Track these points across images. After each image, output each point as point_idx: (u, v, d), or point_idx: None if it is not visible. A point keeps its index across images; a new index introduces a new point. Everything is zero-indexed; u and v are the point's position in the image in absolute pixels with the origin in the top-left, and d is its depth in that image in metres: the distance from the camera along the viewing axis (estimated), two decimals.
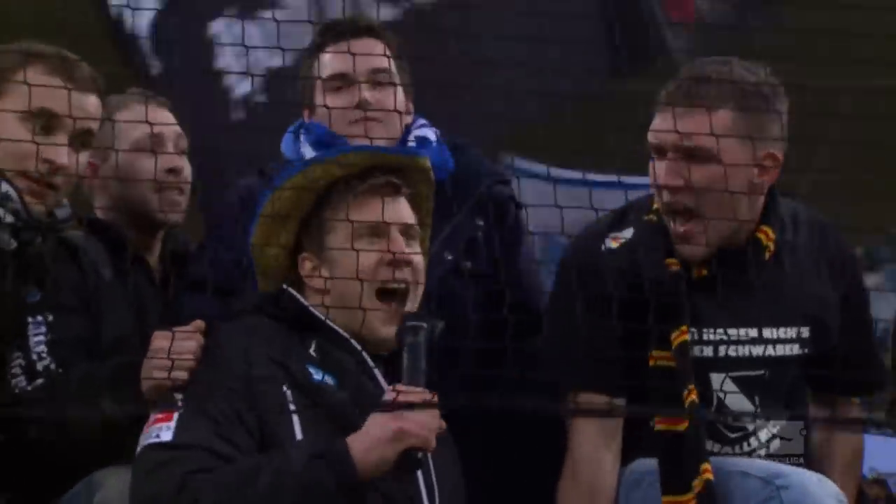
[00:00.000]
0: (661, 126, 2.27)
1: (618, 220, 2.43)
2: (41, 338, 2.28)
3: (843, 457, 2.53)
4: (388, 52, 2.61)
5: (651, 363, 2.30)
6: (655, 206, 2.39)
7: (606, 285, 2.26)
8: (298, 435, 2.02)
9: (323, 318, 2.14)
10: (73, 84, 2.21)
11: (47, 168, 2.18)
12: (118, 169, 2.50)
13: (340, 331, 2.12)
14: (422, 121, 2.65)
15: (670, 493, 2.27)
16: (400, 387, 1.98)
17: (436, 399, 1.98)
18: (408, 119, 2.61)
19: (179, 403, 2.02)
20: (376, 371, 2.10)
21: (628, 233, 2.39)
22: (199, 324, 2.11)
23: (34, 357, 2.24)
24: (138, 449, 1.99)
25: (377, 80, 2.57)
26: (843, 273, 2.50)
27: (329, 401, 2.06)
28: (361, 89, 2.53)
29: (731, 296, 2.35)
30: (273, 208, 2.19)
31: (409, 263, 2.14)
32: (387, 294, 2.12)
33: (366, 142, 2.35)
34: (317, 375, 2.08)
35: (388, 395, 1.97)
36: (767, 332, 2.41)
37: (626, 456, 2.39)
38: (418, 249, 2.19)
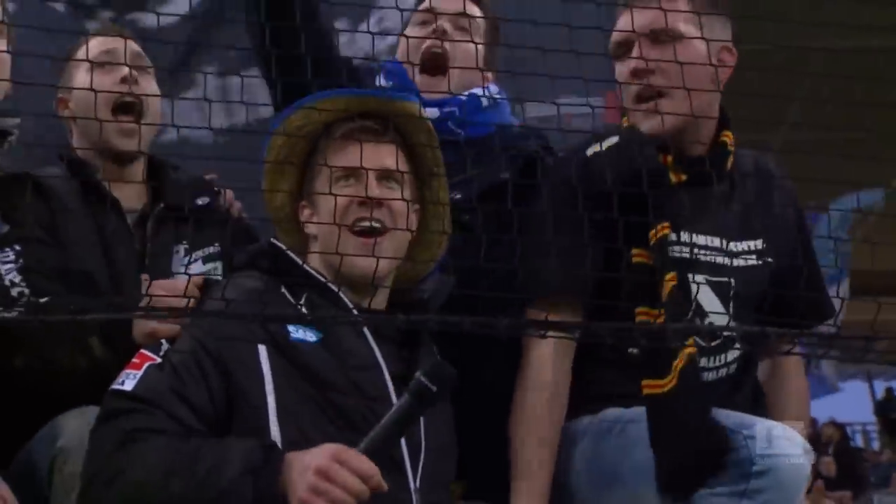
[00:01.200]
0: (626, 23, 2.32)
1: (599, 135, 2.45)
2: (11, 265, 2.27)
3: (791, 388, 2.62)
4: (475, 6, 2.67)
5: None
6: (626, 123, 2.45)
7: (594, 183, 2.27)
8: (270, 397, 1.97)
9: (304, 265, 2.12)
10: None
11: None
12: (76, 94, 2.50)
13: (325, 280, 2.10)
14: (494, 89, 2.68)
15: (649, 378, 2.28)
16: (338, 453, 1.83)
17: (373, 475, 1.82)
18: (486, 81, 2.65)
19: (160, 353, 2.00)
20: (365, 329, 2.06)
21: (613, 140, 2.40)
22: (198, 280, 2.12)
23: (7, 283, 2.24)
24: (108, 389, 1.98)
25: (459, 23, 2.61)
26: (792, 200, 2.57)
27: (305, 359, 2.02)
28: (442, 22, 2.58)
29: (702, 203, 2.40)
30: (270, 156, 2.18)
31: (382, 205, 2.11)
32: (361, 233, 2.10)
33: (439, 82, 2.47)
34: (295, 333, 2.04)
35: (323, 462, 1.82)
36: (732, 245, 2.45)
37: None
38: (397, 194, 2.14)
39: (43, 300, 2.16)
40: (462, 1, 2.51)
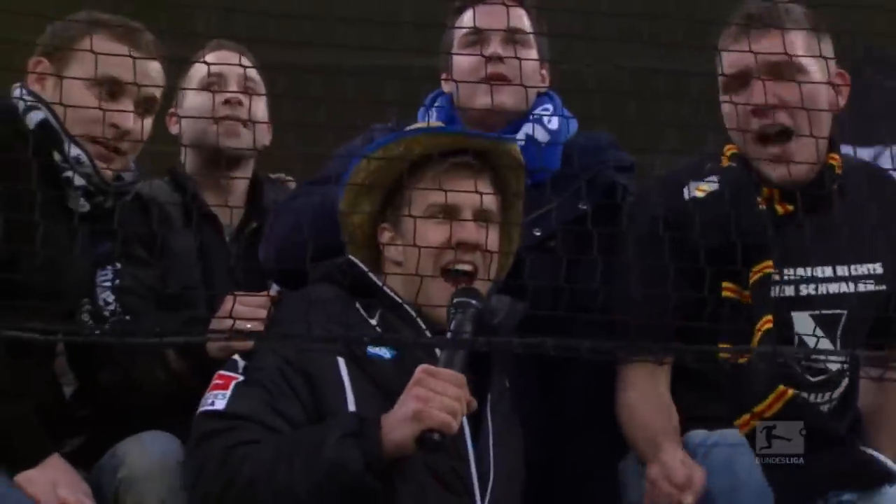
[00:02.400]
0: (743, 53, 2.22)
1: (696, 169, 2.39)
2: (108, 285, 2.37)
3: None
4: (523, 12, 2.60)
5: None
6: (730, 151, 2.37)
7: (693, 234, 2.19)
8: (351, 407, 2.04)
9: (384, 287, 2.16)
10: (137, 51, 2.26)
11: (114, 133, 2.25)
12: (185, 109, 2.66)
13: (401, 301, 2.14)
14: (547, 103, 2.61)
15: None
16: (427, 368, 1.96)
17: (463, 382, 1.94)
18: (541, 91, 2.60)
19: (240, 370, 2.06)
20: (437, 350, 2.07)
21: (713, 181, 2.33)
22: (270, 296, 2.19)
23: (101, 303, 2.35)
24: (197, 412, 2.06)
25: (512, 38, 2.54)
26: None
27: (380, 374, 2.09)
28: (494, 42, 2.52)
29: (812, 231, 2.29)
30: (358, 178, 2.23)
31: (476, 247, 2.16)
32: (449, 274, 2.15)
33: (488, 97, 2.34)
34: (372, 348, 2.11)
35: (417, 373, 1.95)
36: (842, 270, 2.38)
37: None
38: (492, 233, 2.19)
39: (127, 319, 2.27)
40: (505, 14, 2.41)
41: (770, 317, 2.22)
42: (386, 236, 2.24)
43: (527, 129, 2.52)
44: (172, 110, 2.68)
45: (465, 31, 2.53)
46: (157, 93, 2.36)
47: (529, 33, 2.60)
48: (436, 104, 2.64)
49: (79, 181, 2.26)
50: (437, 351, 2.03)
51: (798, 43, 2.26)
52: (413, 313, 2.16)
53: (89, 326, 2.30)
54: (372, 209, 2.27)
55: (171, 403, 2.21)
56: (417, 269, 2.03)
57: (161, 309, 2.38)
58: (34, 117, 2.27)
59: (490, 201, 2.22)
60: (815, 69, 2.27)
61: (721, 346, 2.18)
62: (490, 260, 2.19)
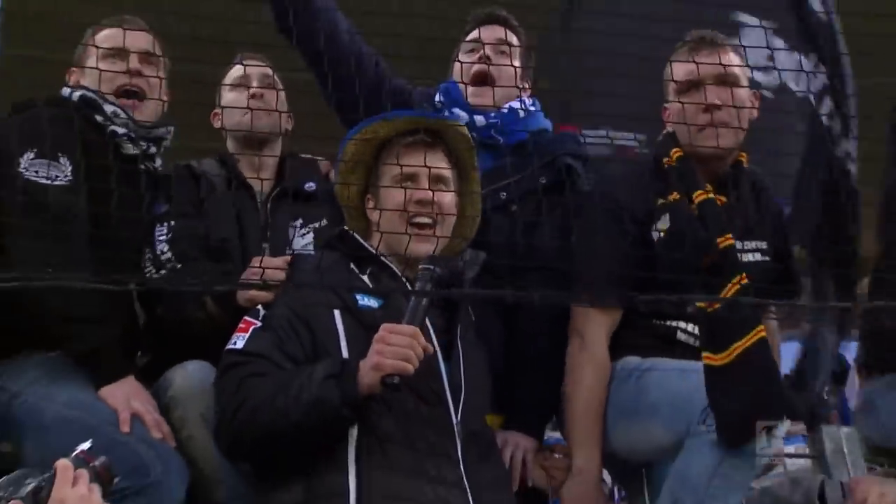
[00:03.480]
0: (692, 66, 2.88)
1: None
2: (163, 238, 2.93)
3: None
4: (513, 35, 3.21)
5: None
6: (676, 155, 2.96)
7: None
8: (344, 350, 2.51)
9: (371, 249, 2.63)
10: (127, 26, 2.86)
11: (126, 78, 2.90)
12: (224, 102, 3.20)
13: (387, 261, 2.61)
14: (528, 100, 3.21)
15: (708, 351, 2.73)
16: (388, 327, 2.41)
17: (420, 337, 2.40)
18: (523, 95, 3.20)
19: (260, 317, 2.55)
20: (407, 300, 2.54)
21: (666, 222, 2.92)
22: (287, 258, 2.70)
23: (158, 252, 2.90)
24: (224, 349, 2.56)
25: (500, 49, 3.15)
26: (779, 212, 3.11)
27: (369, 320, 2.53)
28: (486, 49, 3.14)
29: (730, 213, 2.92)
30: (345, 158, 2.73)
31: (431, 204, 2.62)
32: (415, 225, 2.61)
33: (483, 97, 3.03)
34: (362, 301, 2.58)
35: (379, 331, 2.41)
36: (749, 243, 2.96)
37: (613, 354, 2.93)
38: (447, 195, 2.67)
39: (178, 268, 2.83)
40: (503, 31, 3.12)
41: (743, 275, 2.75)
42: (370, 204, 2.71)
43: (512, 104, 3.14)
44: (216, 111, 3.19)
45: (467, 40, 3.21)
46: (149, 47, 2.99)
47: (516, 45, 3.20)
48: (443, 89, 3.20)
49: (120, 130, 2.87)
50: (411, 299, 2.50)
51: (735, 60, 2.93)
52: (396, 269, 2.61)
53: (149, 278, 2.88)
54: (357, 185, 2.75)
55: (210, 338, 2.71)
56: (393, 225, 2.56)
57: (205, 258, 2.90)
58: (76, 95, 2.93)
59: (443, 169, 2.68)
60: (744, 81, 2.93)
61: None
62: (447, 218, 2.66)
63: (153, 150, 2.98)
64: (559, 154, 3.10)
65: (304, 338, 2.54)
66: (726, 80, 2.92)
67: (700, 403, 2.70)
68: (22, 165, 2.73)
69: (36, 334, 2.71)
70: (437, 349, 2.55)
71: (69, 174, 2.75)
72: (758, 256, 3.00)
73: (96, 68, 2.82)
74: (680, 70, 2.96)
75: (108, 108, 2.90)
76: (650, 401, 2.82)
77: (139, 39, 2.99)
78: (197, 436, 2.70)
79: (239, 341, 2.54)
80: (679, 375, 2.81)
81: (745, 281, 2.74)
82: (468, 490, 2.52)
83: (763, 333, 2.72)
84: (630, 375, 2.89)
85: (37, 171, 2.72)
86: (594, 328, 2.90)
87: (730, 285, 2.74)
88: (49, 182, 2.73)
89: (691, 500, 2.71)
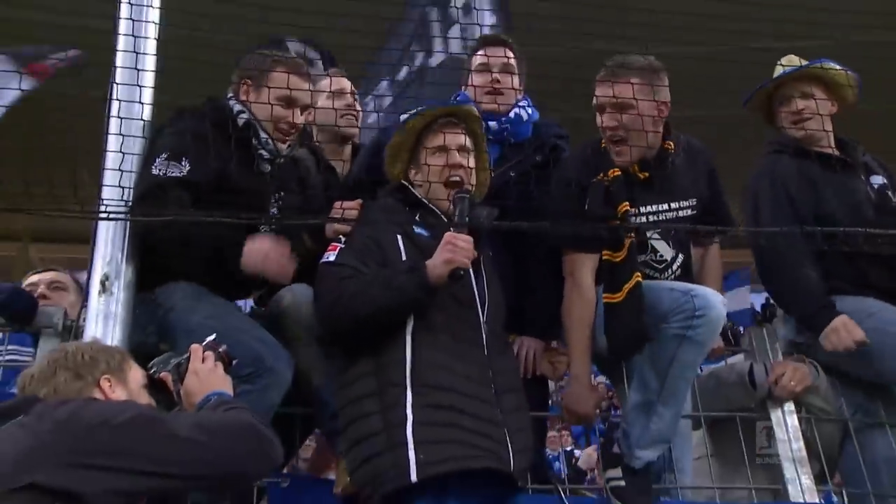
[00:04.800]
0: (601, 93, 3.72)
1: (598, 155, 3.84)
2: (275, 204, 3.73)
3: (712, 273, 3.97)
4: (513, 55, 4.17)
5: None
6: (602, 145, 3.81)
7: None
8: (404, 258, 3.28)
9: (422, 198, 3.47)
10: (300, 79, 3.62)
11: (288, 127, 3.64)
12: (320, 109, 4.05)
13: (432, 206, 3.44)
14: (524, 101, 4.18)
15: (608, 292, 3.62)
16: (450, 232, 3.18)
17: (471, 241, 3.14)
18: (519, 96, 4.14)
19: (342, 242, 3.34)
20: (452, 229, 3.24)
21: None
22: (360, 202, 3.54)
23: (273, 210, 3.70)
24: (319, 263, 3.33)
25: (506, 69, 4.14)
26: (710, 170, 3.96)
27: (421, 243, 3.31)
28: (494, 72, 4.11)
29: (657, 184, 3.77)
30: (391, 143, 3.60)
31: (461, 167, 3.45)
32: (449, 184, 3.43)
33: (493, 105, 4.01)
34: (418, 229, 3.38)
35: (446, 236, 3.16)
36: (675, 204, 3.80)
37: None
38: (471, 160, 3.50)
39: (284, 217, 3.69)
40: (503, 51, 4.16)
41: (631, 235, 3.59)
42: (412, 173, 3.54)
43: (516, 111, 4.14)
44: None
45: (476, 65, 4.18)
46: (309, 100, 3.69)
47: (513, 59, 4.21)
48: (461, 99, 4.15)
49: (265, 155, 3.63)
50: (455, 211, 3.29)
51: (630, 89, 3.61)
52: (437, 210, 3.43)
53: (270, 217, 3.70)
54: (402, 163, 3.59)
55: (308, 268, 3.46)
56: (433, 186, 3.41)
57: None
58: (243, 117, 3.61)
59: (465, 141, 3.50)
60: (643, 103, 3.62)
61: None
62: (470, 174, 3.48)
63: (278, 163, 3.75)
64: (547, 137, 4.11)
65: (376, 253, 3.30)
66: (620, 105, 3.65)
67: (662, 309, 3.51)
68: (156, 163, 3.44)
69: (181, 268, 3.50)
70: (470, 270, 3.28)
71: (185, 172, 3.42)
72: (688, 212, 3.82)
73: (268, 103, 3.51)
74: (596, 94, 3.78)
75: (262, 136, 3.61)
76: (598, 324, 3.71)
77: (305, 93, 3.67)
78: (301, 336, 3.48)
79: (331, 256, 3.31)
80: (646, 291, 3.64)
81: (639, 279, 3.59)
82: (490, 369, 3.24)
83: (639, 278, 3.57)
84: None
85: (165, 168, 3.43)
86: (582, 270, 3.73)
87: (625, 287, 3.59)
88: (170, 174, 3.42)
89: (656, 381, 3.54)
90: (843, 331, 3.71)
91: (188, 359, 2.77)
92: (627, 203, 3.67)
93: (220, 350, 2.81)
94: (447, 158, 3.47)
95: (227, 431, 2.50)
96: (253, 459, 2.53)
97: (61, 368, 2.63)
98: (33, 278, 4.30)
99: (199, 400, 2.71)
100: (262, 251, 3.41)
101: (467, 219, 3.28)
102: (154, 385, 2.77)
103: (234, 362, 2.87)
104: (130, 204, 3.36)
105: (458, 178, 3.46)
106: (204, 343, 2.82)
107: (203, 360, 2.77)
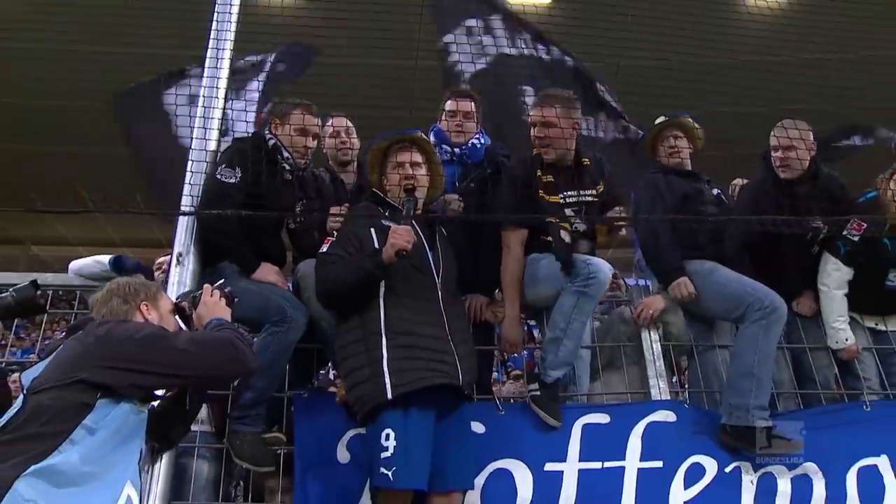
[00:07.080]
0: (533, 115, 5.13)
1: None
2: (299, 207, 5.06)
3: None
4: (475, 105, 5.54)
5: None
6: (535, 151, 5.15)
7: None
8: (377, 246, 4.24)
9: (389, 200, 4.55)
10: (311, 116, 4.95)
11: (304, 151, 4.97)
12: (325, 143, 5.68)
13: (396, 203, 4.48)
14: (479, 133, 5.52)
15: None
16: (395, 226, 4.18)
17: (408, 228, 4.17)
18: (477, 131, 5.47)
19: (335, 236, 4.42)
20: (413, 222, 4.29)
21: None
22: (346, 205, 4.90)
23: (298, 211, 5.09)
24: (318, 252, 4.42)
25: (467, 116, 5.49)
26: (609, 172, 5.36)
27: (387, 232, 4.23)
28: (461, 116, 5.48)
29: (573, 179, 5.12)
30: (368, 159, 4.73)
31: (413, 177, 4.51)
32: (406, 190, 4.47)
33: (460, 138, 5.33)
34: (385, 222, 4.35)
35: (392, 228, 4.21)
36: (584, 193, 5.14)
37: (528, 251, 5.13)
38: (423, 172, 4.57)
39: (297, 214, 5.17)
40: (469, 103, 5.54)
41: (557, 215, 4.94)
42: (383, 182, 4.59)
43: (474, 140, 5.49)
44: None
45: (447, 110, 5.55)
46: (318, 131, 5.05)
47: (473, 107, 5.59)
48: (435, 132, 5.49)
49: (287, 167, 4.94)
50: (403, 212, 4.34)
51: (554, 111, 5.00)
52: (399, 207, 4.42)
53: (291, 212, 5.07)
54: (378, 173, 4.67)
55: (315, 249, 4.63)
56: (395, 190, 4.52)
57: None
58: (272, 142, 4.96)
59: (419, 160, 4.57)
60: (563, 122, 5.00)
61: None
62: (422, 184, 4.54)
63: (297, 173, 5.04)
64: (495, 155, 5.43)
65: (354, 243, 4.33)
66: (545, 122, 5.03)
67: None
68: (218, 171, 4.76)
69: (226, 253, 4.84)
70: (425, 242, 4.34)
71: (236, 179, 4.72)
72: (592, 198, 5.15)
73: (289, 135, 4.88)
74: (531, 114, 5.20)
75: (285, 154, 4.91)
76: (542, 275, 5.00)
77: (314, 125, 4.97)
78: (312, 296, 4.56)
79: (324, 247, 4.40)
80: (554, 260, 4.93)
81: (569, 227, 4.91)
82: (445, 315, 4.25)
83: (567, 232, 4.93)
84: (534, 261, 5.12)
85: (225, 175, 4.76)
86: (513, 239, 5.04)
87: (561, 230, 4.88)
88: (228, 181, 4.75)
89: (563, 323, 4.76)
90: (683, 286, 5.13)
91: (201, 294, 3.52)
92: (558, 194, 5.05)
93: (226, 290, 3.56)
94: (403, 171, 4.58)
95: (212, 344, 3.13)
96: (229, 364, 3.14)
97: (115, 296, 3.37)
98: (162, 259, 5.52)
99: (205, 322, 3.41)
100: (268, 279, 4.83)
101: (413, 214, 4.47)
102: (178, 310, 3.53)
103: (235, 300, 3.60)
104: (196, 205, 4.79)
105: (411, 186, 4.54)
106: (214, 285, 3.59)
107: (211, 295, 3.53)
